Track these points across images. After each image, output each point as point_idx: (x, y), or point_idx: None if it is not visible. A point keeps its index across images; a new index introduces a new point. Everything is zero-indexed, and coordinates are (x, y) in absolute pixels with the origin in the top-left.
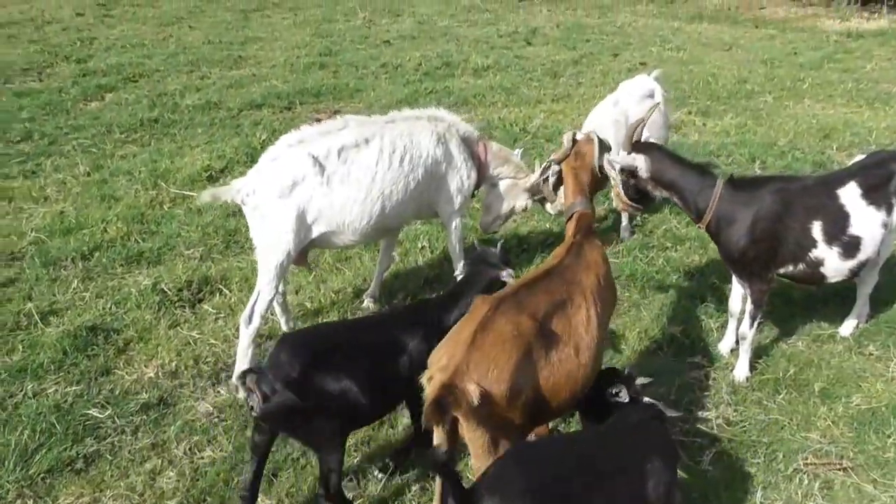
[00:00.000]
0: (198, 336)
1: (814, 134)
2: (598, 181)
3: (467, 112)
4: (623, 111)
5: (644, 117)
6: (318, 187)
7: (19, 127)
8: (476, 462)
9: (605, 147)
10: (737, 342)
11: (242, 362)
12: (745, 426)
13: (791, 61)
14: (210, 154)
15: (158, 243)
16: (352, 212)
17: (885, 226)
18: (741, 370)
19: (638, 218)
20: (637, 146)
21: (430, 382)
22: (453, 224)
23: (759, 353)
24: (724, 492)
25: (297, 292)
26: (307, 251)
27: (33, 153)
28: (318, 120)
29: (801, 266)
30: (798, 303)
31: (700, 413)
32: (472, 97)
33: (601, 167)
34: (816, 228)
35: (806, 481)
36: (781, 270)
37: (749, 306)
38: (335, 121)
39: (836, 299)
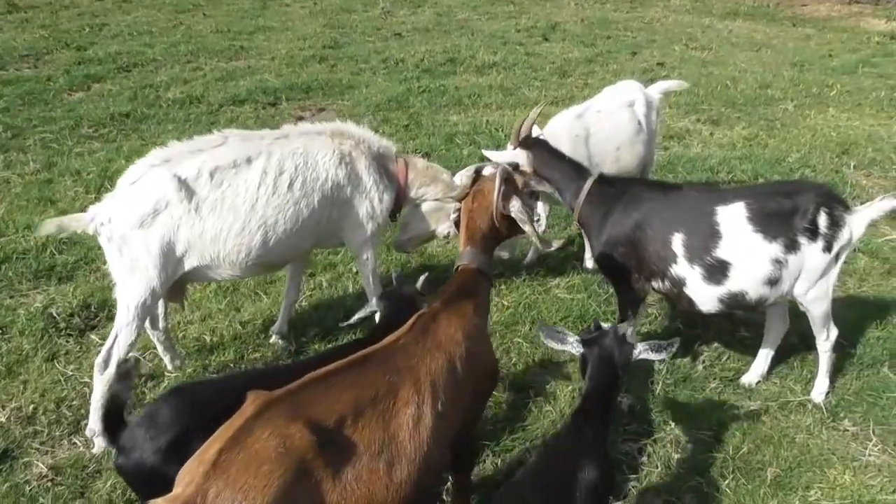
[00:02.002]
0: (72, 372)
1: (831, 149)
2: (505, 229)
3: (459, 114)
4: (585, 125)
5: (532, 115)
6: (184, 215)
7: None
8: None
9: (514, 186)
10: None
11: (96, 416)
12: None
13: (823, 64)
14: None
15: (76, 256)
16: (227, 244)
17: (779, 263)
18: None
19: None
20: (524, 142)
21: None
22: (365, 255)
23: (710, 424)
24: None
25: (203, 320)
26: (183, 286)
27: None
28: (301, 118)
29: (667, 283)
30: (774, 359)
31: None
32: (466, 97)
33: (508, 209)
34: (677, 241)
35: None
36: (654, 285)
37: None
38: (212, 136)
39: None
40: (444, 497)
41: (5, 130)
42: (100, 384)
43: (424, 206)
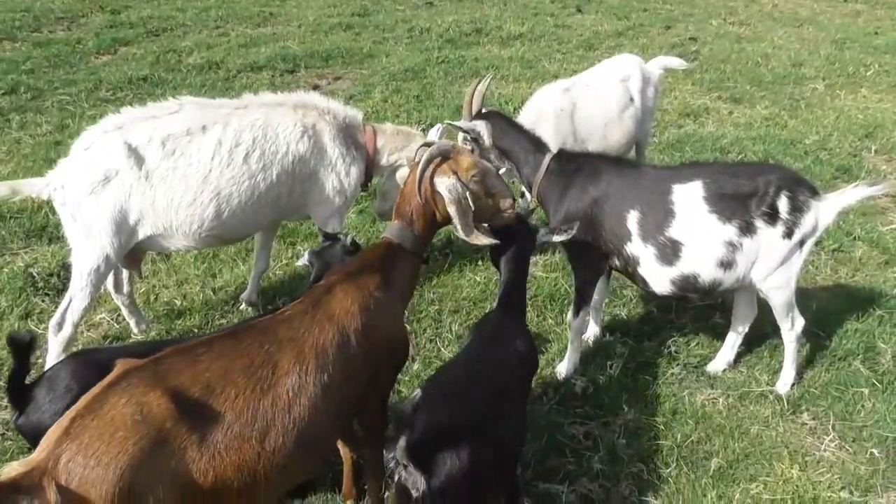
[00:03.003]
0: (42, 331)
1: (854, 131)
2: (443, 209)
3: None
4: (572, 100)
5: (481, 87)
6: (135, 183)
7: (10, 79)
8: None
9: (456, 164)
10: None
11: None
12: None
13: (866, 42)
14: None
15: None
16: (178, 214)
17: (733, 246)
18: (565, 364)
19: None
20: (478, 115)
21: (5, 473)
22: (329, 227)
23: (664, 411)
24: None
25: (179, 285)
26: (140, 254)
27: (8, 108)
28: (316, 87)
29: (622, 261)
30: (745, 347)
31: (553, 486)
32: (484, 69)
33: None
34: (632, 219)
35: None
36: (611, 262)
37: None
38: (168, 103)
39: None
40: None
41: (26, 91)
42: (54, 345)
43: (400, 173)
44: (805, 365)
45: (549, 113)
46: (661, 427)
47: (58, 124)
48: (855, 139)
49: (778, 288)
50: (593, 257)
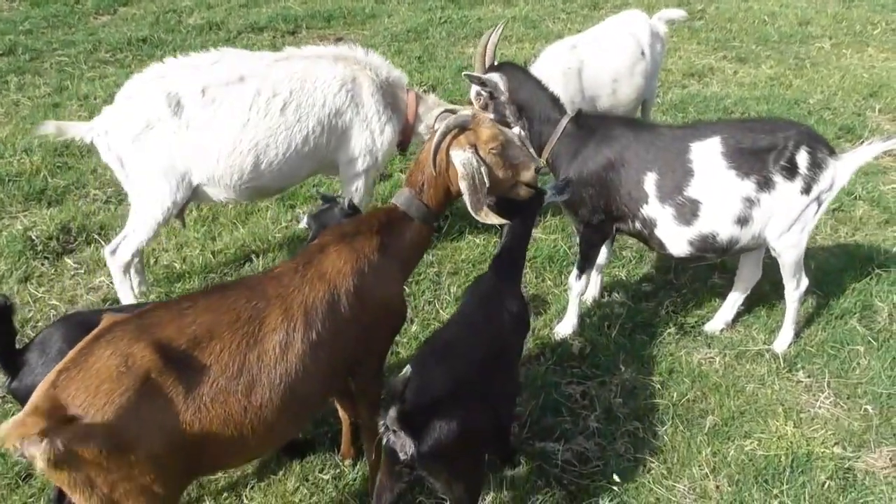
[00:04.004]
0: (42, 294)
1: (859, 90)
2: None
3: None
4: (580, 57)
5: (494, 37)
6: (176, 131)
7: (8, 39)
8: None
9: (476, 137)
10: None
11: (122, 296)
12: (599, 466)
13: (874, 0)
14: None
15: (67, 181)
16: (219, 164)
17: (751, 202)
18: (563, 325)
19: None
20: (491, 67)
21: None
22: (353, 186)
23: (660, 370)
24: None
25: (178, 248)
26: (184, 205)
27: (6, 69)
28: None
29: (637, 224)
30: (742, 308)
31: (549, 444)
32: (487, 28)
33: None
34: (649, 181)
35: None
36: (622, 226)
37: (578, 256)
38: (209, 53)
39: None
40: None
41: (24, 52)
42: (114, 268)
43: None
44: (802, 324)
45: (555, 73)
46: (658, 386)
47: (56, 86)
48: (859, 98)
49: (791, 247)
50: (601, 221)
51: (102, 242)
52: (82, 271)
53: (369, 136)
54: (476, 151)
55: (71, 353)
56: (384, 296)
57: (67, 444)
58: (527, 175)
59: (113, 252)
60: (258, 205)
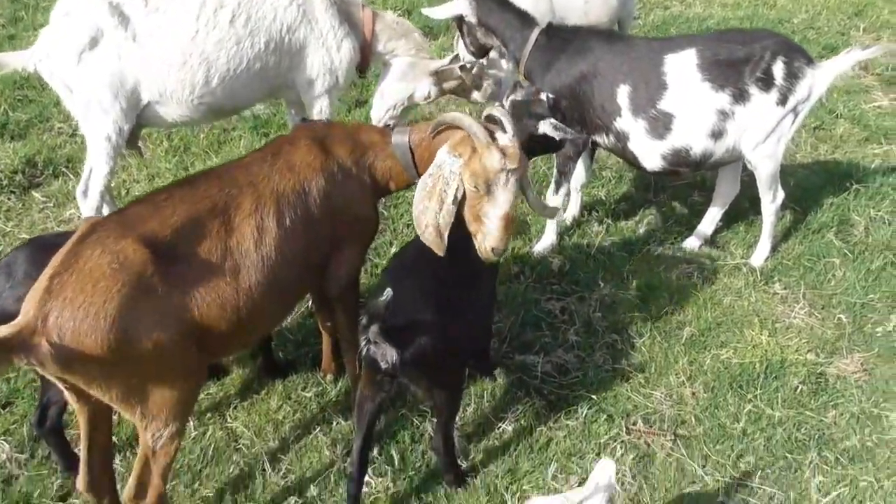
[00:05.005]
0: (10, 229)
1: (843, 10)
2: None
3: None
4: None
5: None
6: (122, 43)
7: None
8: (143, 431)
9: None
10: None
11: None
12: (578, 376)
13: None
14: None
15: (30, 114)
16: (170, 77)
17: (726, 115)
18: (542, 243)
19: None
20: None
21: None
22: (317, 109)
23: (639, 285)
24: (523, 459)
25: (150, 180)
26: (138, 130)
27: None
28: None
29: (611, 137)
30: (721, 223)
31: (529, 356)
32: None
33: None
34: (622, 93)
35: (619, 453)
36: (597, 139)
37: (555, 171)
38: None
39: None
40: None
41: None
42: (86, 211)
43: (396, 66)
44: (779, 238)
45: None
46: (637, 301)
47: (10, 17)
48: (844, 17)
49: (767, 157)
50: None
51: (70, 176)
52: (51, 205)
53: (326, 53)
54: (459, 172)
55: (57, 259)
56: (353, 204)
57: (70, 342)
58: (485, 239)
59: (84, 193)
60: (231, 134)
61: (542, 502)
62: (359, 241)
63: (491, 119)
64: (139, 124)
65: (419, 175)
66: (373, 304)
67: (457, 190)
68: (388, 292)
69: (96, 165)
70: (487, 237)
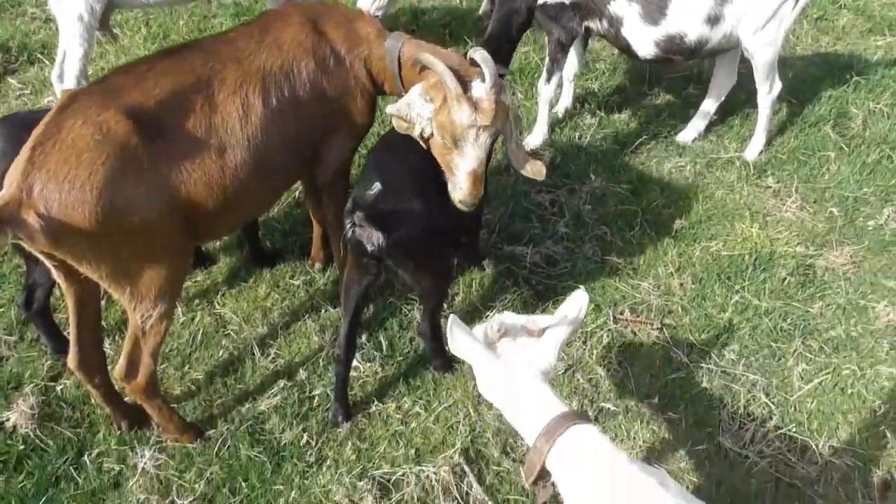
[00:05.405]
0: None
1: None
2: None
3: None
4: None
5: None
6: None
7: None
8: (132, 311)
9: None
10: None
11: None
12: (567, 267)
13: None
14: None
15: None
16: None
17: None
18: (534, 135)
19: None
20: None
21: None
22: None
23: (631, 178)
24: None
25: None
26: (108, 12)
27: None
28: None
29: (604, 23)
30: (716, 117)
31: (518, 247)
32: None
33: None
34: None
35: (606, 340)
36: (590, 24)
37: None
38: None
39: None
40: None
41: None
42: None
43: None
44: (775, 132)
45: None
46: (628, 193)
47: None
48: None
49: (766, 45)
50: (568, 19)
51: (46, 62)
52: (28, 91)
53: None
54: (432, 111)
55: (39, 129)
56: (345, 96)
57: (57, 214)
58: (454, 190)
59: (60, 77)
60: (211, 21)
61: (510, 318)
62: (351, 134)
63: (473, 63)
64: (111, 4)
65: (405, 90)
66: (361, 194)
67: (422, 132)
68: (378, 186)
69: (70, 48)
70: (456, 189)
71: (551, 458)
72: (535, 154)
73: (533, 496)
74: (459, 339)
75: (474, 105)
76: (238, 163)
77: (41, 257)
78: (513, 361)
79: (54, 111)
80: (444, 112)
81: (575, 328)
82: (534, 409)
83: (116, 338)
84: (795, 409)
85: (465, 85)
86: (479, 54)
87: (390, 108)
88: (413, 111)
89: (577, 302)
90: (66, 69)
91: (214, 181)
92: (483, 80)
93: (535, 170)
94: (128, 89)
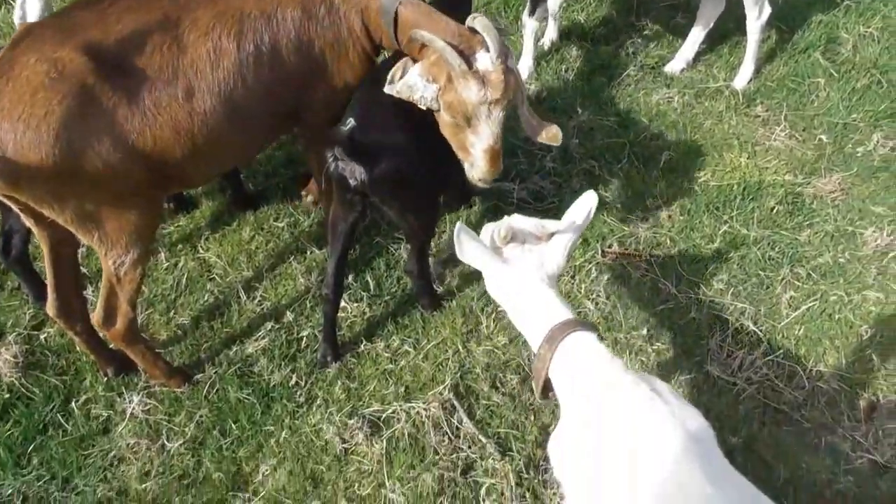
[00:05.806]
0: None
1: None
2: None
3: None
4: None
5: None
6: None
7: None
8: (104, 257)
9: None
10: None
11: None
12: (554, 202)
13: None
14: None
15: None
16: None
17: None
18: (521, 68)
19: None
20: None
21: None
22: None
23: (618, 110)
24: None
25: None
26: None
27: None
28: None
29: None
30: (704, 47)
31: (505, 183)
32: None
33: None
34: None
35: (594, 274)
36: None
37: None
38: None
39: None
40: None
41: None
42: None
43: None
44: (764, 60)
45: None
46: (615, 126)
47: None
48: None
49: None
50: None
51: (12, 4)
52: None
53: None
54: (436, 90)
55: None
56: (334, 46)
57: (13, 155)
58: (472, 169)
59: (22, 19)
60: None
61: (518, 222)
62: (339, 89)
63: (473, 31)
64: None
65: (399, 47)
66: (336, 131)
67: (429, 107)
68: (351, 122)
69: None
70: (475, 168)
71: (553, 365)
72: (543, 128)
73: (523, 428)
74: (467, 245)
75: (482, 79)
76: (207, 109)
77: (5, 201)
78: (520, 267)
79: (8, 46)
80: (450, 91)
81: (579, 235)
82: (539, 315)
83: (98, 285)
84: (783, 335)
85: (468, 58)
86: (480, 21)
87: (388, 89)
88: (416, 94)
89: (585, 204)
90: (28, 9)
91: (182, 126)
92: (487, 50)
93: (551, 135)
94: (87, 25)
